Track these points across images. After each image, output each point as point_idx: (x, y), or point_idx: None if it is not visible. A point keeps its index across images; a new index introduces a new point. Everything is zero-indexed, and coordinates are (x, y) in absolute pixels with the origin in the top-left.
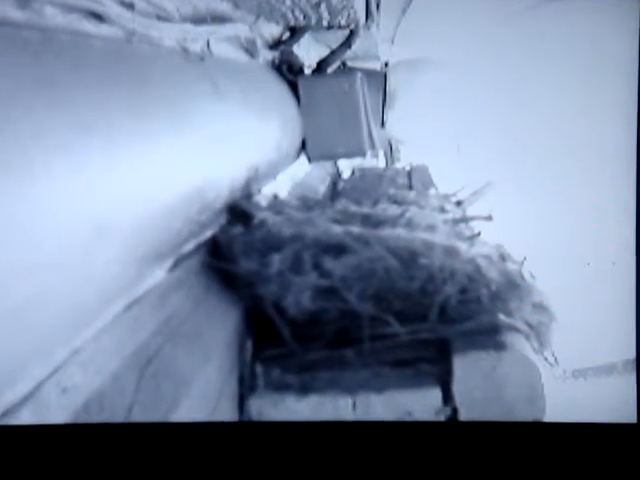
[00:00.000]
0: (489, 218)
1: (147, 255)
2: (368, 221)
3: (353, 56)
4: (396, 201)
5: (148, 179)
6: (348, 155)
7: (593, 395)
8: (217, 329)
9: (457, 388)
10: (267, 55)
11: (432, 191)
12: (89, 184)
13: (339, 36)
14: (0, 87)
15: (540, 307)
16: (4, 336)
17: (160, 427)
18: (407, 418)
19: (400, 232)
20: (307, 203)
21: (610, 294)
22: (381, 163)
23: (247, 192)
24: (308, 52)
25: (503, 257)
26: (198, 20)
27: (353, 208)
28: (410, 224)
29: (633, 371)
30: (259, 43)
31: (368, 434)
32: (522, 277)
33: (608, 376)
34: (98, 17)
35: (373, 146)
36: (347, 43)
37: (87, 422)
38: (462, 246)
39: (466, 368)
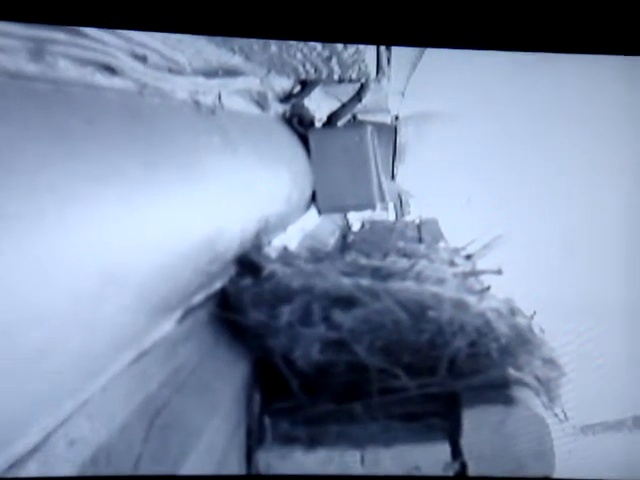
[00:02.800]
0: (499, 272)
1: (156, 306)
2: (377, 274)
3: (363, 109)
4: (405, 254)
5: (159, 230)
6: (358, 208)
7: (602, 451)
8: (226, 381)
9: (466, 442)
10: (278, 108)
11: (442, 244)
12: (100, 235)
13: (350, 90)
14: (14, 139)
15: (550, 362)
16: (13, 387)
17: (168, 479)
18: (415, 472)
19: (409, 285)
20: (317, 255)
21: (620, 350)
22: (391, 216)
23: (257, 244)
24: (319, 105)
25: (513, 311)
26: (210, 73)
27: (363, 261)
28: (419, 277)
29: None
30: (270, 96)
31: None
32: (532, 331)
33: (617, 432)
34: (111, 70)
35: (383, 199)
36: (358, 97)
37: (94, 475)
38: (472, 300)
39: (475, 422)
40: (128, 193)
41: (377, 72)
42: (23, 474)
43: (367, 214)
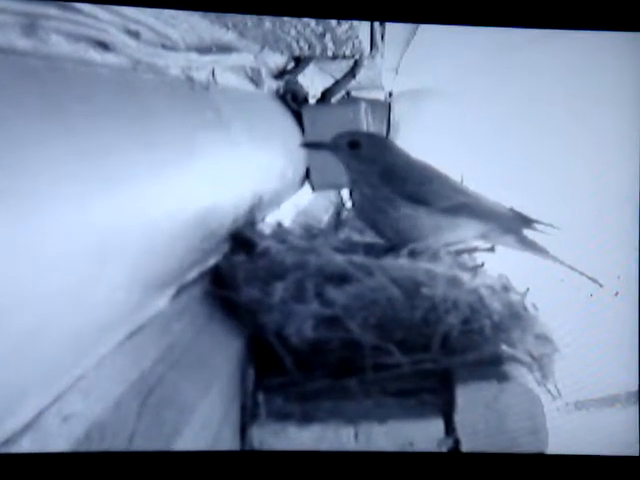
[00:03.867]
0: (491, 249)
1: (150, 283)
2: (371, 250)
3: (357, 86)
4: None
5: (151, 207)
6: None
7: (595, 427)
8: (219, 358)
9: (459, 419)
10: (272, 84)
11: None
12: (92, 212)
13: (343, 66)
14: (5, 115)
15: (543, 338)
16: (5, 364)
17: (162, 456)
18: (409, 449)
19: (403, 262)
20: (310, 232)
21: (613, 325)
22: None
23: (250, 220)
24: (312, 82)
25: (506, 288)
26: (203, 49)
27: (356, 237)
28: (413, 254)
29: (636, 403)
30: (264, 73)
31: (370, 464)
32: (525, 308)
33: (611, 408)
34: (104, 46)
35: None
36: (351, 73)
37: (88, 450)
38: (465, 276)
39: (468, 399)
40: (121, 169)
41: (371, 49)
42: (16, 450)
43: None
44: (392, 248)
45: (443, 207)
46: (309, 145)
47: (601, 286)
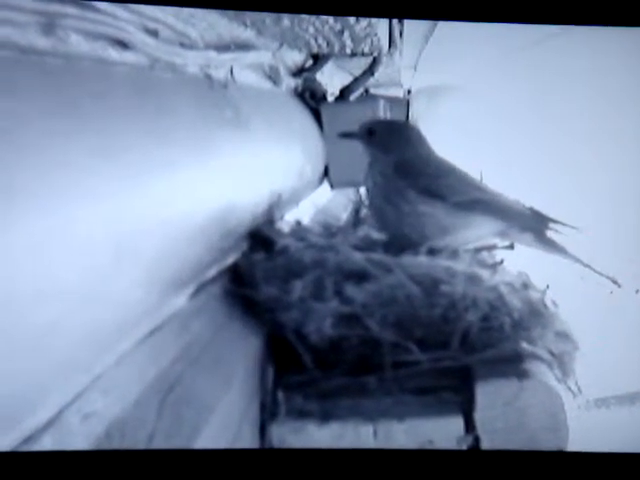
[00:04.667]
0: (511, 246)
1: (169, 281)
2: (390, 248)
3: (376, 83)
4: None
5: (170, 205)
6: None
7: (616, 425)
8: (238, 356)
9: (479, 416)
10: (290, 82)
11: None
12: (111, 210)
13: (362, 63)
14: (24, 114)
15: (563, 335)
16: (25, 362)
17: (181, 454)
18: (428, 446)
19: (422, 259)
20: (329, 230)
21: (633, 322)
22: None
23: (269, 218)
24: (331, 79)
25: (526, 285)
26: (221, 47)
27: (375, 235)
28: (432, 251)
29: None
30: (282, 70)
31: (389, 462)
32: (545, 305)
33: (631, 406)
34: (122, 44)
35: None
36: (370, 70)
37: (108, 449)
38: (484, 274)
39: (488, 396)
40: (139, 167)
41: (389, 46)
42: (37, 448)
43: None
44: (410, 245)
45: (458, 201)
46: (344, 135)
47: (619, 286)
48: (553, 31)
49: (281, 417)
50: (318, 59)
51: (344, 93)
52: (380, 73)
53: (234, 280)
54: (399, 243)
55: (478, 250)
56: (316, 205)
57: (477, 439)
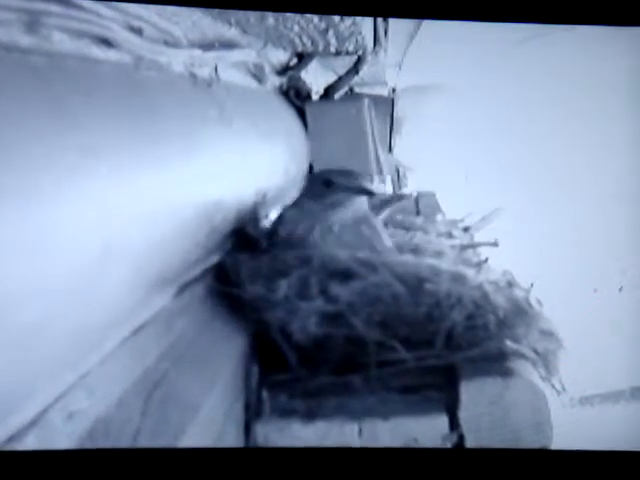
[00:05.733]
0: (495, 244)
1: (153, 280)
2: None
3: (360, 82)
4: (403, 227)
5: (155, 203)
6: None
7: (600, 422)
8: (223, 354)
9: (464, 415)
10: (275, 81)
11: (439, 217)
12: (96, 208)
13: (347, 62)
14: (9, 112)
15: (547, 334)
16: (10, 360)
17: (166, 453)
18: (413, 445)
19: (407, 258)
20: None
21: (617, 321)
22: (388, 189)
23: (254, 217)
24: (315, 78)
25: (510, 283)
26: (206, 46)
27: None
28: (417, 250)
29: None
30: (267, 69)
31: (374, 460)
32: (529, 304)
33: (616, 404)
34: (106, 42)
35: (380, 171)
36: (354, 69)
37: (93, 447)
38: (469, 272)
39: (473, 395)
40: (124, 166)
41: (374, 44)
42: (21, 447)
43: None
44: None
45: None
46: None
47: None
48: (539, 30)
49: (266, 416)
50: (303, 58)
51: (329, 92)
52: (365, 72)
53: (219, 279)
54: None
55: (463, 248)
56: None
57: (462, 437)
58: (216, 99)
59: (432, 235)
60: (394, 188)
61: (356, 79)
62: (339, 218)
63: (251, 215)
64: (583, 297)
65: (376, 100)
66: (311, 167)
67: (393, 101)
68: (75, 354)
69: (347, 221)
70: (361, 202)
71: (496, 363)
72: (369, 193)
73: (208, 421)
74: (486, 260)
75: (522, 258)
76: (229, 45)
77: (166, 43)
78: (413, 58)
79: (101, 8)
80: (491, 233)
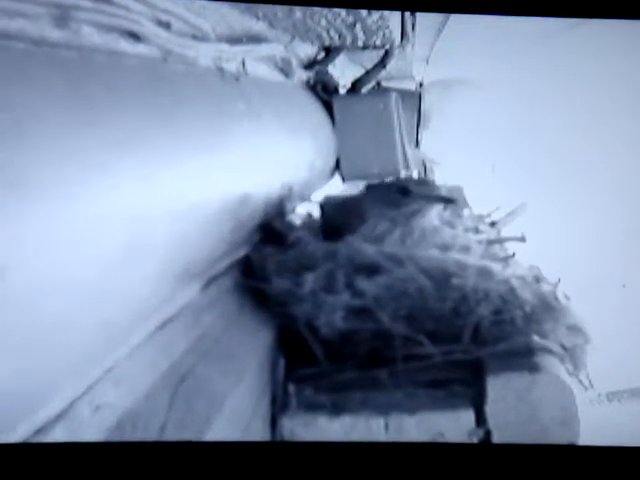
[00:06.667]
0: (522, 239)
1: (180, 274)
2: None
3: (388, 76)
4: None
5: (182, 197)
6: (382, 175)
7: (628, 418)
8: (250, 348)
9: (490, 410)
10: (302, 75)
11: (466, 212)
12: (123, 202)
13: (374, 56)
14: (37, 106)
15: (575, 329)
16: (38, 354)
17: (193, 446)
18: (440, 439)
19: (434, 252)
20: None
21: None
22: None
23: (281, 211)
24: (343, 72)
25: (537, 278)
26: (234, 40)
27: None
28: (444, 244)
29: None
30: (294, 63)
31: (400, 455)
32: (556, 299)
33: None
34: (135, 37)
35: (407, 166)
36: (382, 63)
37: (120, 440)
38: (496, 267)
39: (499, 390)
40: (152, 160)
41: (401, 38)
42: (49, 439)
43: None
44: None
45: None
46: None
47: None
48: (566, 24)
49: (292, 410)
50: (330, 52)
51: (356, 86)
52: (392, 66)
53: (245, 273)
54: None
55: (490, 243)
56: None
57: (488, 432)
58: (243, 93)
59: (459, 230)
60: (419, 176)
61: (383, 73)
62: (419, 224)
63: (277, 209)
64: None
65: (403, 94)
66: (338, 162)
67: (420, 95)
68: (102, 348)
69: (427, 228)
70: (438, 209)
71: (523, 358)
72: (449, 201)
73: (234, 415)
74: (513, 255)
75: (549, 253)
76: (256, 39)
77: (194, 37)
78: (440, 52)
79: (130, 2)
80: (518, 228)
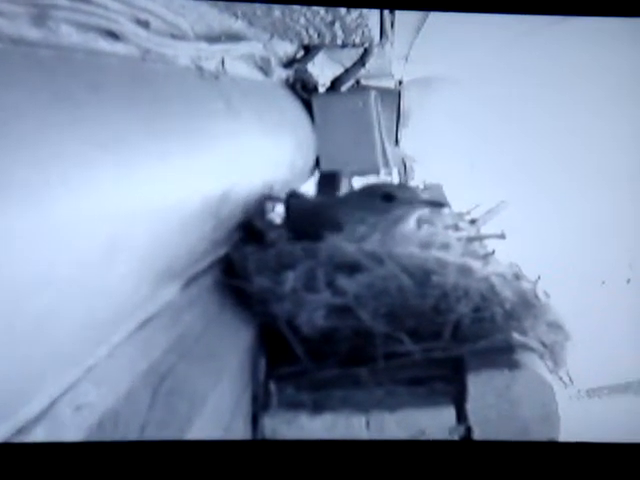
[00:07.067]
0: (502, 236)
1: (161, 272)
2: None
3: (367, 74)
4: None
5: (162, 196)
6: (362, 173)
7: (608, 414)
8: (230, 347)
9: (471, 407)
10: (281, 73)
11: (446, 209)
12: (103, 201)
13: (353, 54)
14: (16, 105)
15: (554, 326)
16: (18, 354)
17: (174, 445)
18: (421, 437)
19: (414, 250)
20: None
21: (625, 312)
22: (395, 181)
23: (261, 210)
24: (322, 70)
25: (517, 276)
26: (212, 38)
27: None
28: (424, 242)
29: None
30: (273, 61)
31: (381, 453)
32: (536, 296)
33: (623, 395)
34: (113, 35)
35: (387, 164)
36: (361, 61)
37: (101, 440)
38: (476, 264)
39: (480, 387)
40: (131, 159)
41: (380, 37)
42: (30, 439)
43: (371, 179)
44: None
45: None
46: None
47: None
48: (545, 22)
49: (273, 408)
50: (309, 50)
51: (335, 84)
52: (371, 64)
53: (226, 271)
54: None
55: (470, 240)
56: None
57: (469, 429)
58: (223, 92)
59: (439, 227)
60: (401, 180)
61: (362, 72)
62: (400, 229)
63: (258, 208)
64: (591, 289)
65: (383, 93)
66: (317, 160)
67: (400, 93)
68: (83, 347)
69: (408, 231)
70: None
71: (503, 355)
72: (441, 205)
73: (215, 413)
74: (493, 252)
75: (529, 250)
76: (235, 38)
77: (173, 36)
78: (419, 50)
79: (108, 1)
80: (498, 225)
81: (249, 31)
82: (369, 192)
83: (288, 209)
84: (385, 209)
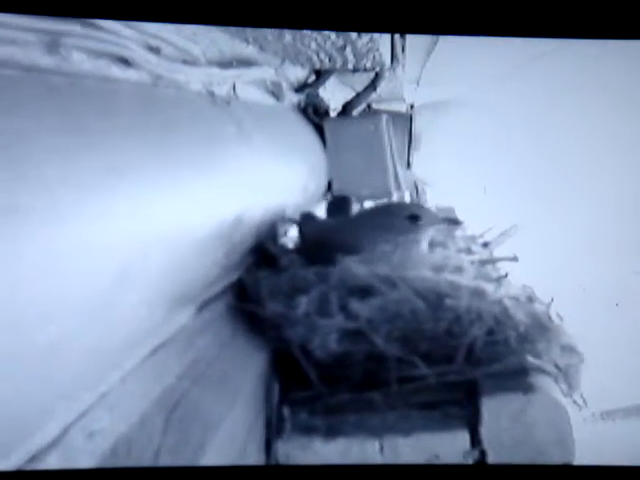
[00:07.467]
0: (515, 259)
1: (173, 298)
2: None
3: (378, 98)
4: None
5: (175, 222)
6: (374, 197)
7: (623, 437)
8: (244, 372)
9: (485, 431)
10: (293, 98)
11: (458, 232)
12: (115, 227)
13: (364, 79)
14: (28, 132)
15: (568, 349)
16: (31, 380)
17: (187, 471)
18: (435, 461)
19: (427, 274)
20: None
21: (638, 335)
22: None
23: (273, 234)
24: (333, 95)
25: (530, 298)
26: (224, 64)
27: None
28: (436, 265)
29: None
30: (285, 86)
31: (396, 477)
32: (550, 318)
33: (638, 418)
34: (125, 62)
35: (399, 187)
36: (372, 85)
37: (114, 466)
38: (489, 287)
39: (494, 410)
40: (144, 185)
41: (392, 61)
42: (43, 466)
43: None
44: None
45: None
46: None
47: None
48: (555, 45)
49: (287, 433)
50: (320, 74)
51: (347, 108)
52: (382, 88)
53: (239, 296)
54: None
55: (482, 263)
56: None
57: (483, 453)
58: (234, 117)
59: (451, 250)
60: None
61: (374, 96)
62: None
63: (270, 232)
64: (605, 311)
65: (394, 116)
66: (329, 184)
67: (411, 117)
68: (95, 373)
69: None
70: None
71: (517, 379)
72: (458, 223)
73: (229, 439)
74: (506, 275)
75: (542, 273)
76: (247, 63)
77: (184, 62)
78: (431, 74)
79: (119, 28)
80: (510, 248)
81: (260, 56)
82: (388, 212)
83: (301, 230)
84: (409, 229)
